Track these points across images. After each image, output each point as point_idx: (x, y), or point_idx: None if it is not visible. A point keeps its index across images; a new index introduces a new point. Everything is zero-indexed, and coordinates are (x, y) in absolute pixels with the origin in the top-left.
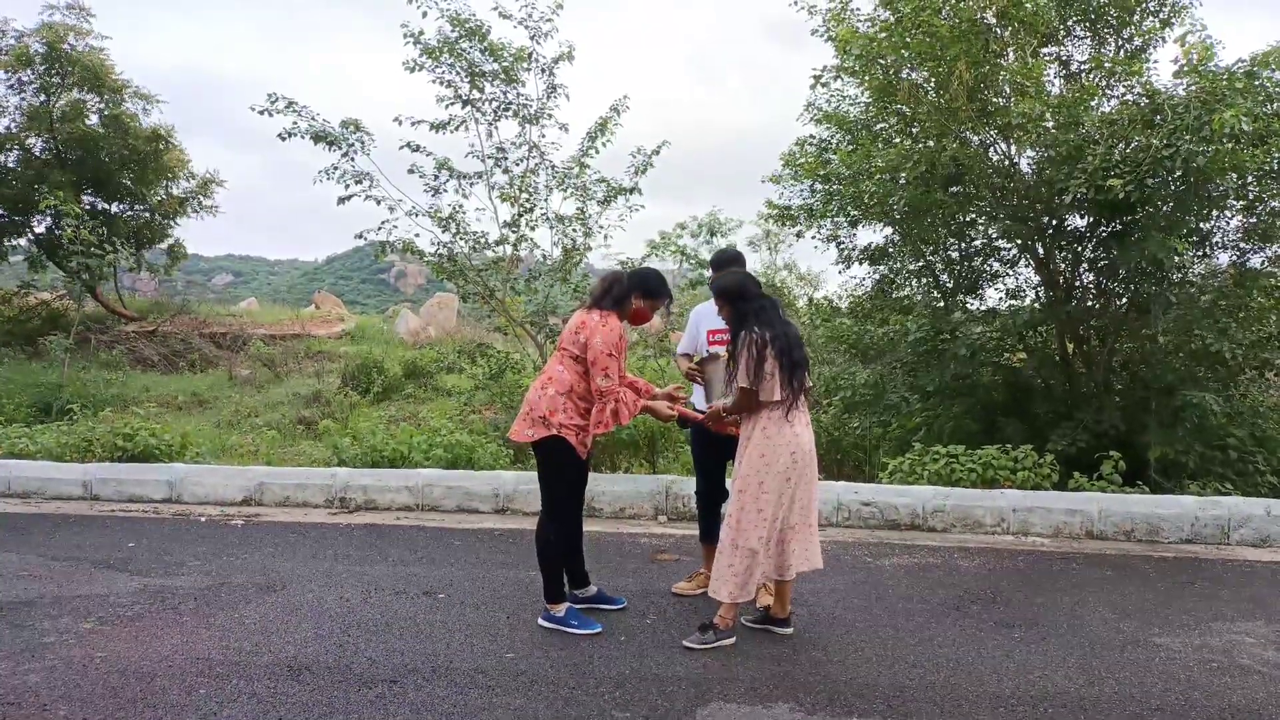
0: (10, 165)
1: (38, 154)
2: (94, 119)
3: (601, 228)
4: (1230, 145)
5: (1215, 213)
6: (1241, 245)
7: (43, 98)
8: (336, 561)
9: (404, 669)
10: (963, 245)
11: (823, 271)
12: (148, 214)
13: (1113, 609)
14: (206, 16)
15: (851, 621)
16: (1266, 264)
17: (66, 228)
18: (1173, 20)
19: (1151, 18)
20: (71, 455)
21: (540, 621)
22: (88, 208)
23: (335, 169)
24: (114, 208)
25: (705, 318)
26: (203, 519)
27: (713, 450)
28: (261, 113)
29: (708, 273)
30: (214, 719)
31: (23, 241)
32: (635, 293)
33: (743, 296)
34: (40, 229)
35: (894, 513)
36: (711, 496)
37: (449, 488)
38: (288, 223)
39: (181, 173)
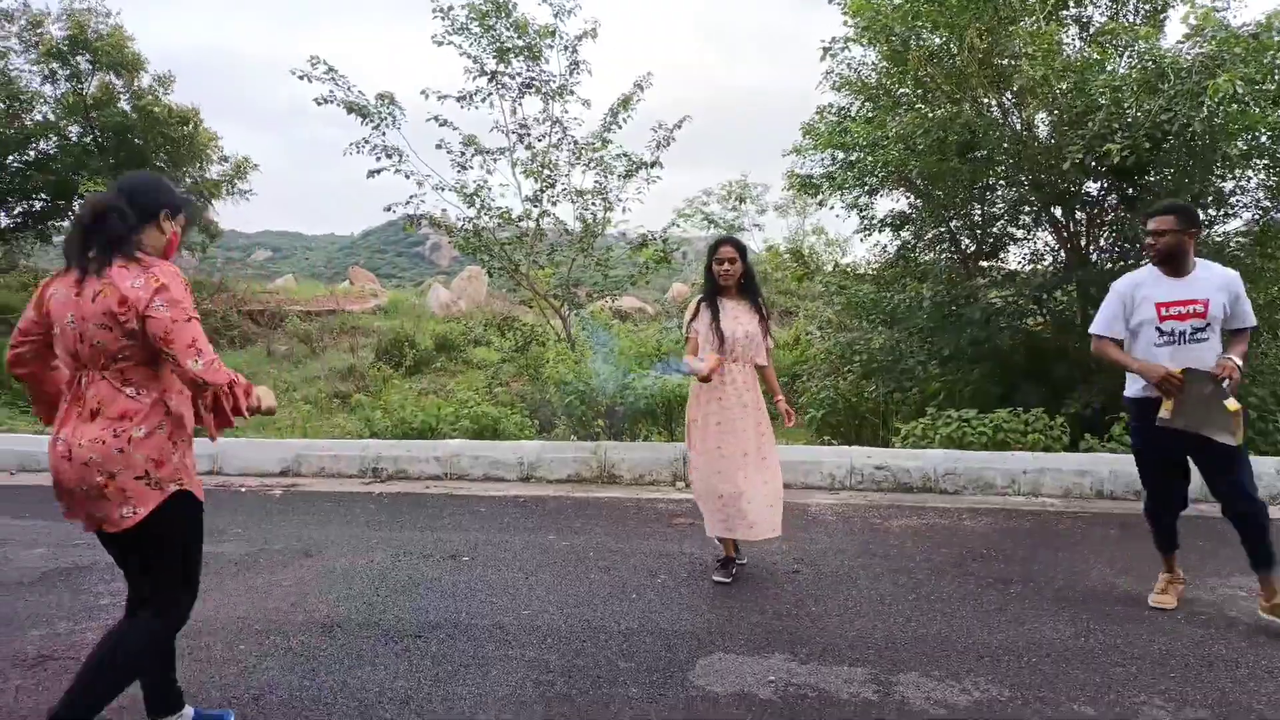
0: (50, 153)
1: (75, 140)
2: (124, 103)
3: (620, 200)
4: (1237, 108)
5: (1237, 171)
6: (1264, 204)
7: (73, 84)
8: (368, 528)
9: (428, 625)
10: (983, 210)
11: (852, 236)
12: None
13: (1111, 565)
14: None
15: (854, 579)
16: None
17: None
18: None
19: None
20: None
21: None
22: None
23: (366, 142)
24: None
25: (1147, 286)
26: (243, 489)
27: (1171, 450)
28: (301, 77)
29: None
30: (253, 671)
31: (66, 224)
32: (163, 214)
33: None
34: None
35: (906, 476)
36: (1163, 507)
37: (475, 457)
38: (319, 199)
39: (214, 153)
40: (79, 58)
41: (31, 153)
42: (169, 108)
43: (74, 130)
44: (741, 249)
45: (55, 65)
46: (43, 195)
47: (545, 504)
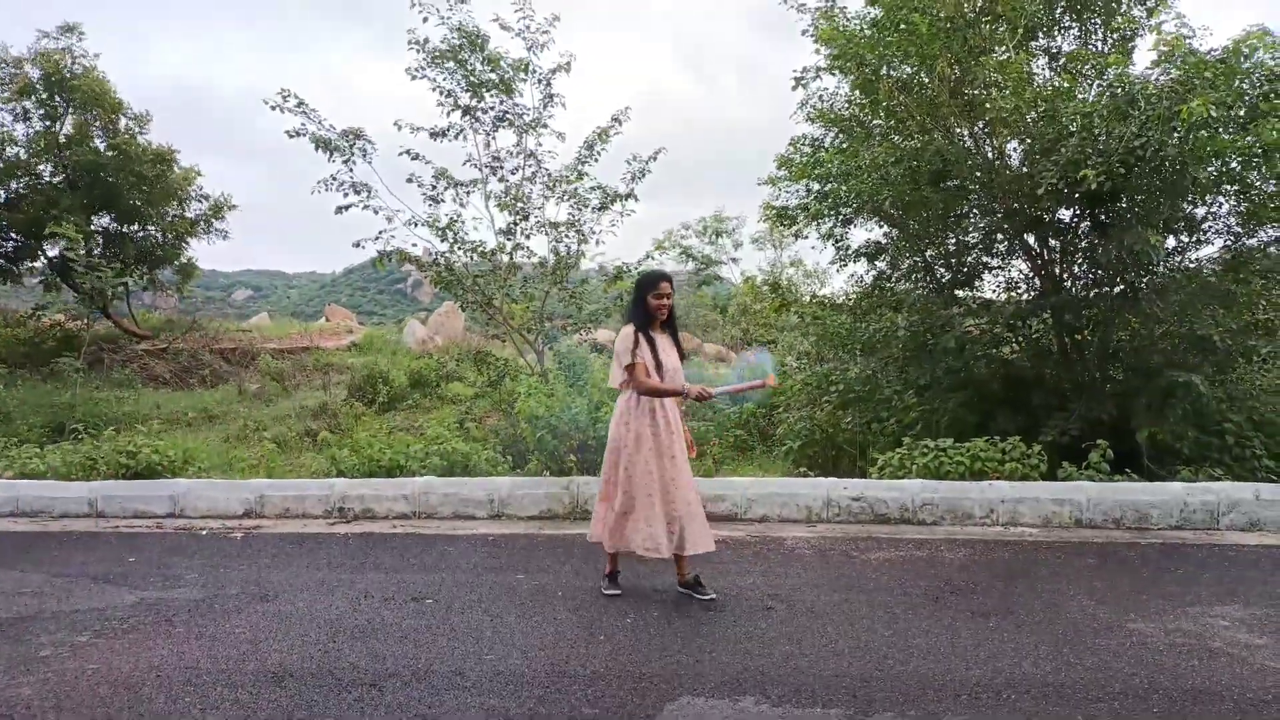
0: (22, 192)
1: (47, 179)
2: (100, 143)
3: (594, 233)
4: (1206, 133)
5: (1208, 197)
6: (1235, 230)
7: (47, 124)
8: (330, 570)
9: (385, 673)
10: (957, 239)
11: (829, 267)
12: (159, 234)
13: (1091, 596)
14: (202, 33)
15: (829, 614)
16: (1260, 247)
17: (72, 251)
18: (1159, 8)
19: (1138, 6)
20: (77, 474)
21: None
22: (100, 230)
23: (334, 179)
24: (126, 229)
25: None
26: (204, 532)
27: None
28: (274, 108)
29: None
30: None
31: (39, 264)
32: None
33: None
34: (54, 252)
35: (883, 507)
36: None
37: (445, 495)
38: (302, 236)
39: (192, 191)
40: (54, 97)
41: (1, 193)
42: (143, 147)
43: (46, 169)
44: (673, 285)
45: (29, 105)
46: (14, 236)
47: (515, 542)
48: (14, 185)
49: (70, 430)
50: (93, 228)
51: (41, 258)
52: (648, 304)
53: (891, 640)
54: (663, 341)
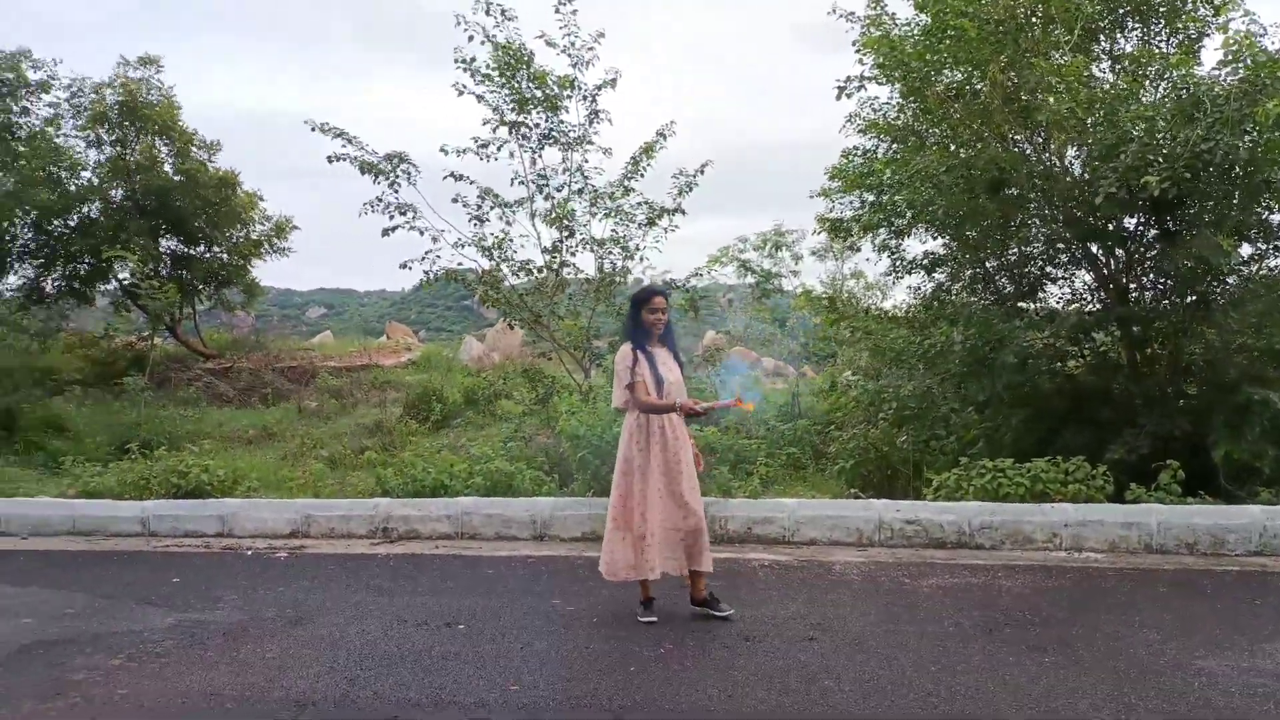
0: (93, 216)
1: (117, 203)
2: (168, 167)
3: (639, 249)
4: (1278, 134)
5: None
6: None
7: (119, 150)
8: (368, 593)
9: (407, 702)
10: (1019, 249)
11: (887, 278)
12: (225, 255)
13: (1158, 629)
14: (262, 61)
15: (874, 647)
16: None
17: (135, 274)
18: (1227, 6)
19: (1205, 5)
20: (131, 493)
21: None
22: (168, 252)
23: (379, 200)
24: (192, 251)
25: None
26: (249, 552)
27: None
28: (313, 129)
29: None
30: None
31: (111, 287)
32: None
33: None
34: (123, 274)
35: (939, 530)
36: None
37: (488, 515)
38: (373, 254)
39: (255, 214)
40: (127, 124)
41: (75, 218)
42: (210, 172)
43: (116, 194)
44: (669, 300)
45: (102, 131)
46: (86, 259)
47: (556, 564)
48: (85, 209)
49: (127, 449)
50: (160, 250)
51: (113, 280)
52: (643, 319)
53: (938, 676)
54: (662, 355)
